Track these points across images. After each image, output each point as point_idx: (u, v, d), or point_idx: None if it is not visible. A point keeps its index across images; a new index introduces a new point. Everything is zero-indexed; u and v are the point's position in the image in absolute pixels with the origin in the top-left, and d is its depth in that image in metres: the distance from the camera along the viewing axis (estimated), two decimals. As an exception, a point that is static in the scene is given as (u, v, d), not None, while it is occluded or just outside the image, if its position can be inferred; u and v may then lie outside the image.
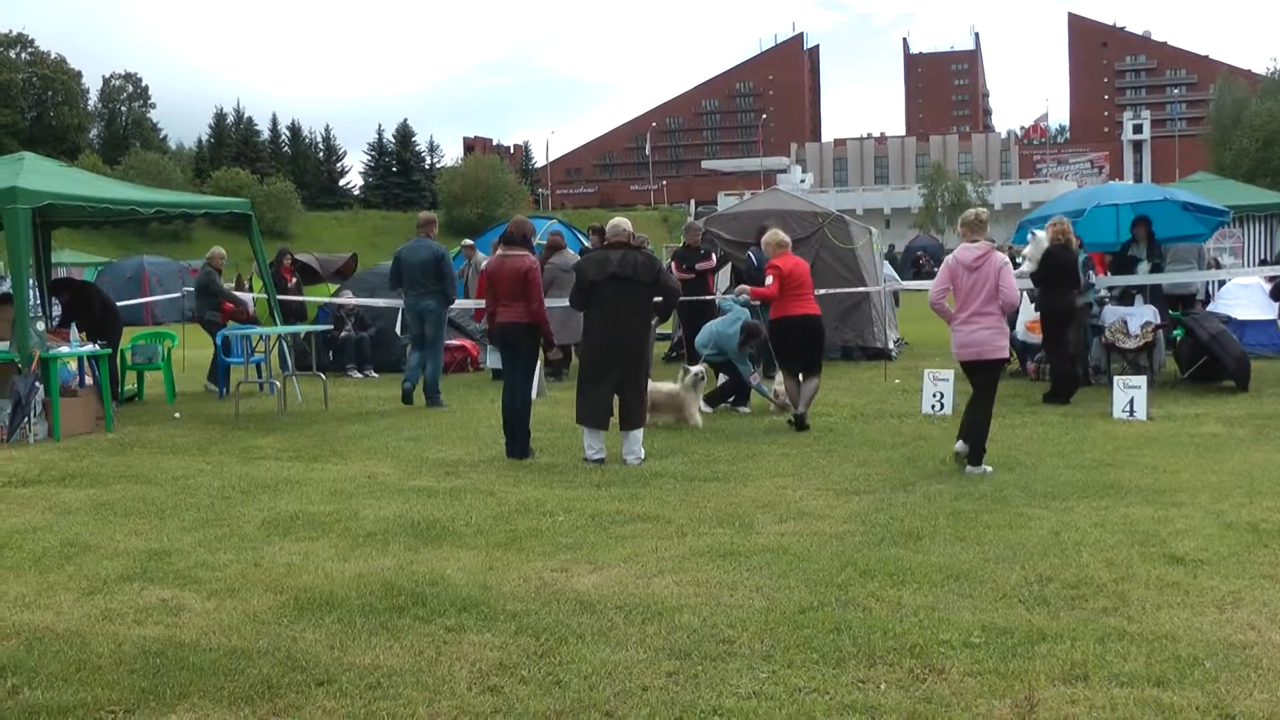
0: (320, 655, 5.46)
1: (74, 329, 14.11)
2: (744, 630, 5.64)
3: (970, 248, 9.99)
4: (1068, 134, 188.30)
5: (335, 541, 7.72)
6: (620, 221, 11.17)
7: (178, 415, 14.54)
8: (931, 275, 20.02)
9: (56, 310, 16.14)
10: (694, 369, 12.91)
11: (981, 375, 9.98)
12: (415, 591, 6.40)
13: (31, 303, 13.12)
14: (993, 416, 10.02)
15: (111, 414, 13.45)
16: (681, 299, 14.98)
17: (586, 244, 21.41)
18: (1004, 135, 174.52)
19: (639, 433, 10.57)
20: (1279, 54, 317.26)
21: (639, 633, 5.66)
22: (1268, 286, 17.28)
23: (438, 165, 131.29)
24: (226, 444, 12.13)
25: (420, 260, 15.01)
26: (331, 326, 19.05)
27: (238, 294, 19.58)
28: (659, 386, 12.64)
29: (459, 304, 18.92)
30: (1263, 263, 21.37)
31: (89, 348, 13.63)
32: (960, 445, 9.99)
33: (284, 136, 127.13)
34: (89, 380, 14.07)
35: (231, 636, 5.77)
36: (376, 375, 19.00)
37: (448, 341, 19.59)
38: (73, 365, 14.07)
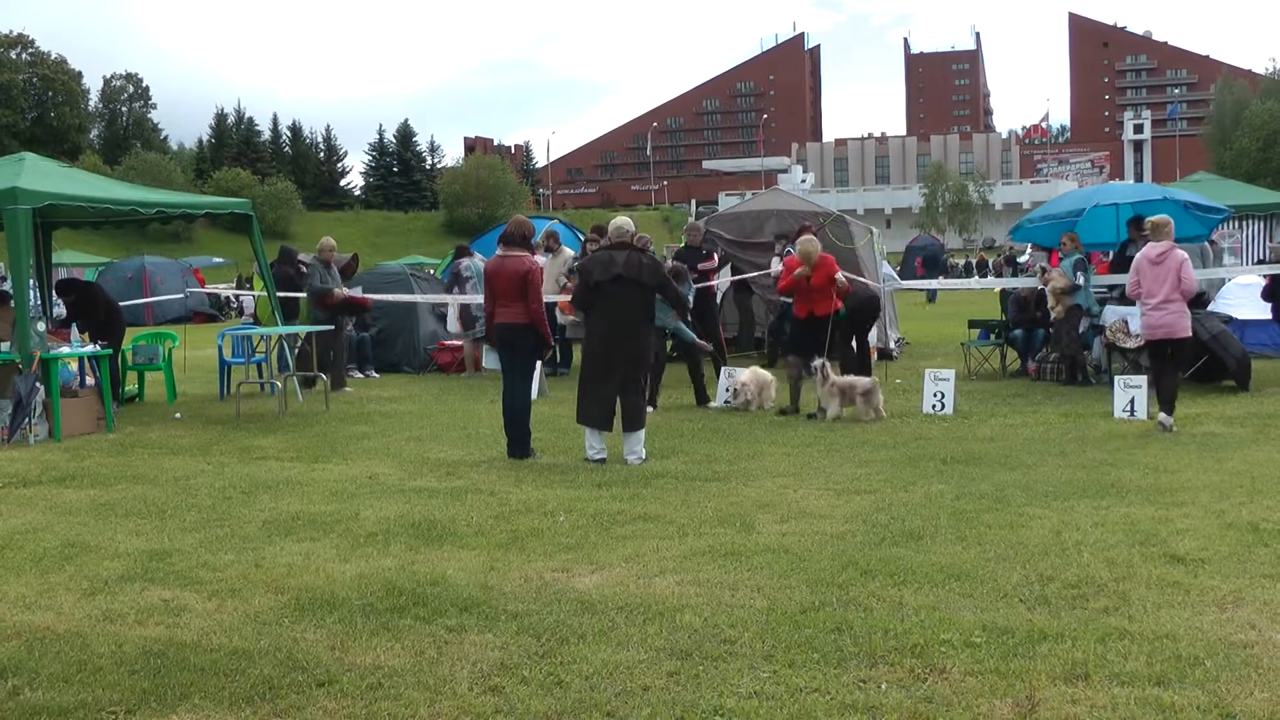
0: (321, 656, 5.46)
1: (75, 329, 14.12)
2: (745, 630, 5.64)
3: (1155, 246, 11.81)
4: (1068, 134, 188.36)
5: (336, 542, 7.72)
6: (623, 222, 11.16)
7: (178, 415, 14.55)
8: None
9: (58, 310, 16.14)
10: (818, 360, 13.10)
11: (1174, 349, 12.00)
12: (416, 592, 6.40)
13: (32, 303, 13.13)
14: (1001, 413, 10.10)
15: (112, 414, 13.46)
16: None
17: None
18: (1005, 135, 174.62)
19: (641, 433, 10.56)
20: (1278, 54, 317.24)
21: (640, 633, 5.66)
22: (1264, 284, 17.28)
23: (439, 165, 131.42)
24: (227, 444, 12.13)
25: None
26: (333, 327, 19.01)
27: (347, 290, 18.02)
28: (854, 380, 13.06)
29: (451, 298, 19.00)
30: (1261, 262, 21.38)
31: (90, 348, 13.64)
32: (1164, 417, 11.60)
33: (285, 137, 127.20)
34: (90, 381, 14.08)
35: (233, 637, 5.77)
36: (378, 375, 19.00)
37: (449, 343, 19.63)
38: (73, 366, 14.08)
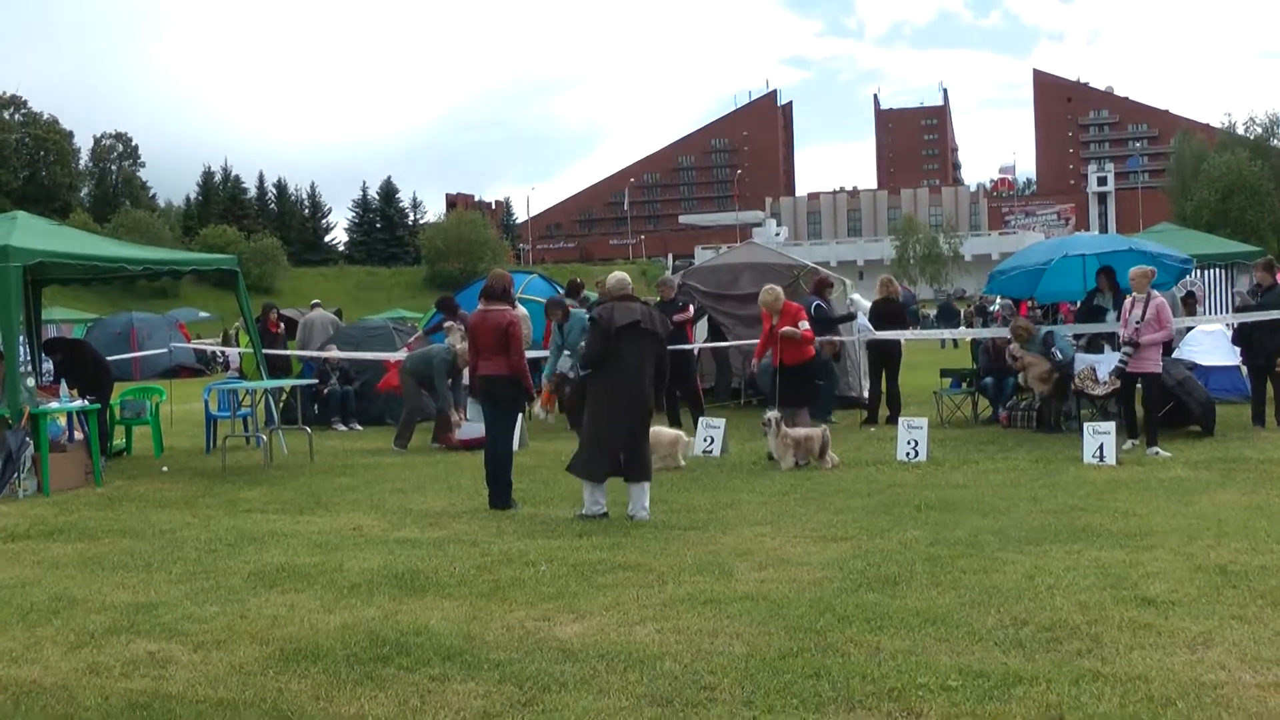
0: (306, 706, 5.41)
1: (64, 385, 14.04)
2: (725, 676, 5.60)
3: (1133, 296, 13.48)
4: (1034, 186, 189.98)
5: (320, 593, 7.66)
6: (624, 276, 10.90)
7: (165, 469, 14.46)
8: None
9: (47, 367, 16.06)
10: (772, 413, 13.23)
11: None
12: (399, 641, 6.35)
13: (22, 359, 13.06)
14: (974, 460, 10.08)
15: (100, 469, 13.37)
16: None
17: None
18: (973, 188, 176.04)
19: (648, 485, 10.29)
20: (1233, 109, 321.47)
21: (621, 680, 5.62)
22: (1230, 333, 17.40)
23: (421, 221, 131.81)
24: (213, 497, 12.05)
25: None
26: (317, 380, 19.00)
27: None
28: (809, 432, 13.20)
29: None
30: (1239, 309, 21.54)
31: (78, 403, 13.56)
32: (1128, 444, 13.17)
33: (270, 194, 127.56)
34: (78, 435, 13.99)
35: (218, 688, 5.72)
36: (361, 428, 18.92)
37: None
38: (62, 421, 14.00)
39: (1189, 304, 21.39)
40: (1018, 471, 12.13)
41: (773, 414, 13.10)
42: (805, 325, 14.03)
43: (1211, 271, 23.68)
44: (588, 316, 10.50)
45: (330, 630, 6.69)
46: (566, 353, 16.03)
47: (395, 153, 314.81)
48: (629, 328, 10.12)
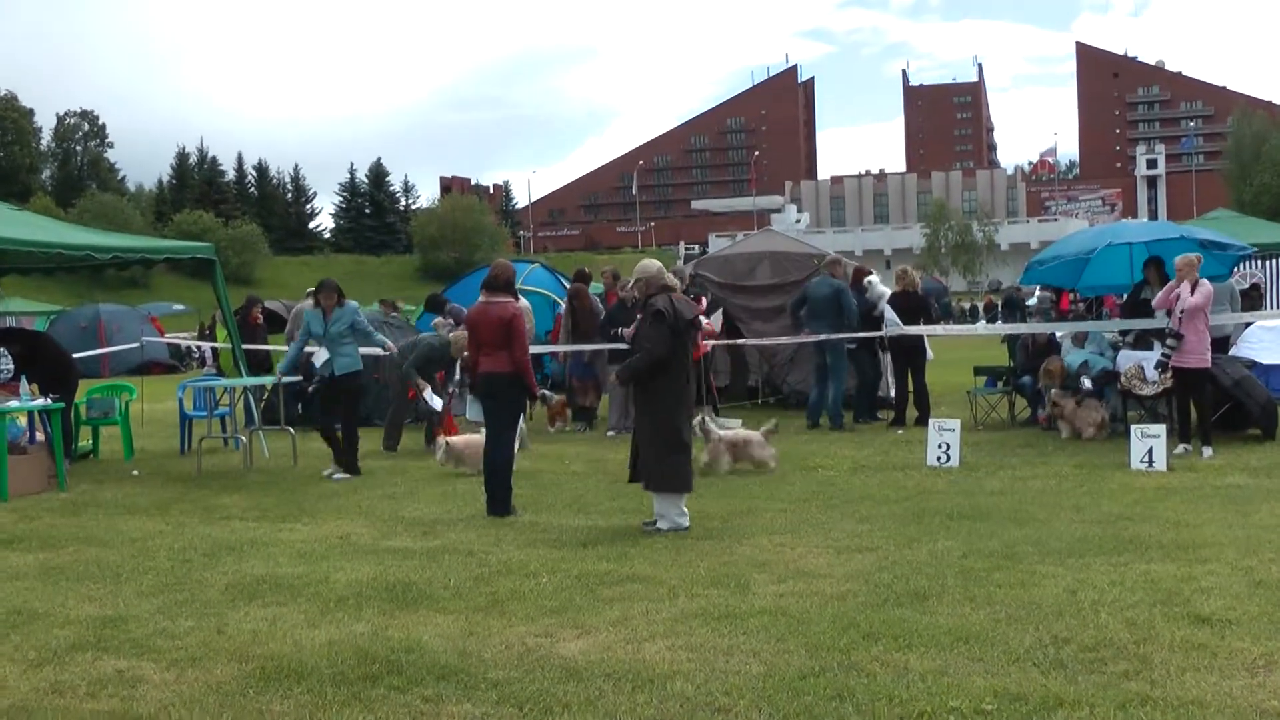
0: (287, 729, 5.41)
1: (24, 382, 14.07)
2: (740, 698, 5.60)
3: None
4: (1077, 169, 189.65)
5: (305, 606, 7.67)
6: (658, 263, 10.82)
7: (136, 473, 14.48)
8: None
9: (7, 365, 16.09)
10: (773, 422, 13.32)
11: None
12: (390, 659, 6.36)
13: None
14: (1010, 465, 10.04)
15: (64, 472, 13.38)
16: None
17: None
18: (1010, 171, 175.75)
19: None
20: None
21: (629, 702, 5.62)
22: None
23: (413, 206, 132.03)
24: (188, 503, 12.07)
25: (823, 295, 17.17)
26: (301, 378, 18.98)
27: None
28: (748, 435, 13.29)
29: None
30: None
31: (40, 402, 13.58)
32: (1180, 449, 13.22)
33: (250, 177, 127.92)
34: (40, 436, 14.02)
35: (193, 710, 5.72)
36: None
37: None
38: (22, 421, 14.01)
39: (1253, 296, 21.30)
40: (1058, 478, 12.11)
41: (699, 416, 12.64)
42: (704, 320, 14.03)
43: (1274, 262, 23.57)
44: (653, 310, 9.94)
45: (315, 647, 6.69)
46: (315, 348, 14.79)
47: (385, 133, 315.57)
48: (689, 323, 10.10)
